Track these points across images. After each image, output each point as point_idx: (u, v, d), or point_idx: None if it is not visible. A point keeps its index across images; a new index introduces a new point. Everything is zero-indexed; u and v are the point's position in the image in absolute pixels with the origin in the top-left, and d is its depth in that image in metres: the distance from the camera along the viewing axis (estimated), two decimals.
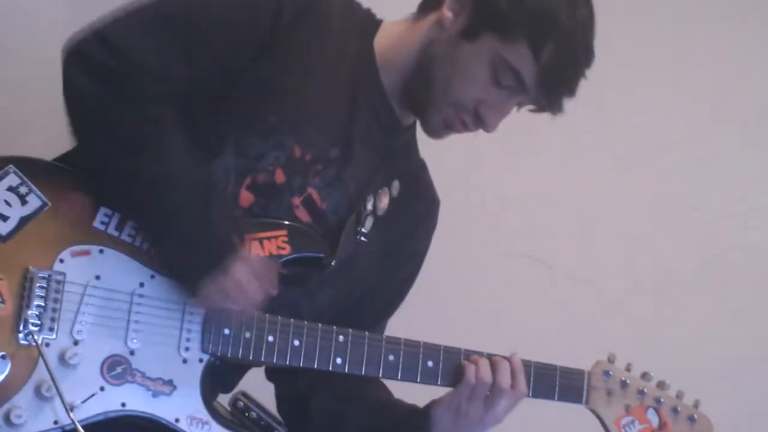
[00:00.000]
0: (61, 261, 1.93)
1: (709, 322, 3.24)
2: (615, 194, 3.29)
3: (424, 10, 2.11)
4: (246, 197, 2.03)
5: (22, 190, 1.93)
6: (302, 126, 2.04)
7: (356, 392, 2.18)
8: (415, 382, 2.10)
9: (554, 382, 2.15)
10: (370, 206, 2.13)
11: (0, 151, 1.96)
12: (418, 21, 2.10)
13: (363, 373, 2.05)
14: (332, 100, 2.07)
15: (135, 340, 1.94)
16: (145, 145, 1.90)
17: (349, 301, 2.19)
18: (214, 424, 1.98)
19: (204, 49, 1.96)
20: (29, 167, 1.94)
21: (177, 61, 1.93)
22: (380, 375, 2.08)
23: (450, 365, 2.10)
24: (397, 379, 2.09)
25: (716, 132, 3.31)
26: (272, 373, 2.26)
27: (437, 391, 2.15)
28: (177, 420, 1.96)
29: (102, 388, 1.92)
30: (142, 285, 1.96)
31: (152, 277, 1.97)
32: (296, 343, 2.02)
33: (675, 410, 2.21)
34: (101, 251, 1.95)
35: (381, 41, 2.12)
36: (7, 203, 1.92)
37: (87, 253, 1.94)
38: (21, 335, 1.89)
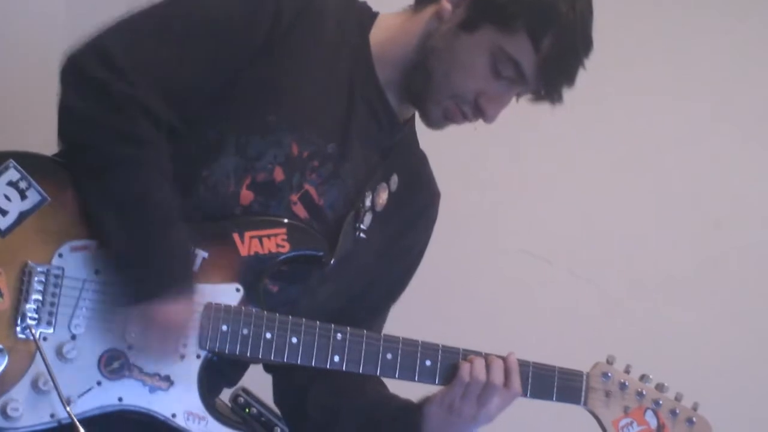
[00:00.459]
0: (60, 256, 1.93)
1: (708, 323, 3.24)
2: (616, 192, 3.29)
3: (422, 2, 2.11)
4: (246, 195, 2.03)
5: (22, 184, 1.93)
6: (300, 123, 2.04)
7: (353, 386, 2.17)
8: (413, 381, 2.09)
9: (552, 383, 2.14)
10: (368, 202, 2.13)
11: (0, 146, 1.96)
12: (416, 13, 2.11)
13: (360, 372, 2.05)
14: (329, 96, 2.07)
15: (133, 335, 1.94)
16: (124, 174, 1.91)
17: (349, 295, 2.19)
18: (211, 420, 1.98)
19: (204, 52, 1.97)
20: (29, 162, 1.94)
21: (176, 69, 1.95)
22: (378, 373, 2.08)
23: (448, 365, 2.09)
24: (394, 378, 2.09)
25: (716, 132, 3.31)
26: (270, 366, 2.26)
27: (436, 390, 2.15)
28: (174, 415, 1.96)
29: (99, 383, 1.92)
30: None
31: None
32: (294, 340, 2.01)
33: (674, 412, 2.21)
34: (100, 246, 1.94)
35: (378, 34, 2.12)
36: (7, 198, 1.92)
37: (86, 248, 1.94)
38: (19, 329, 1.89)
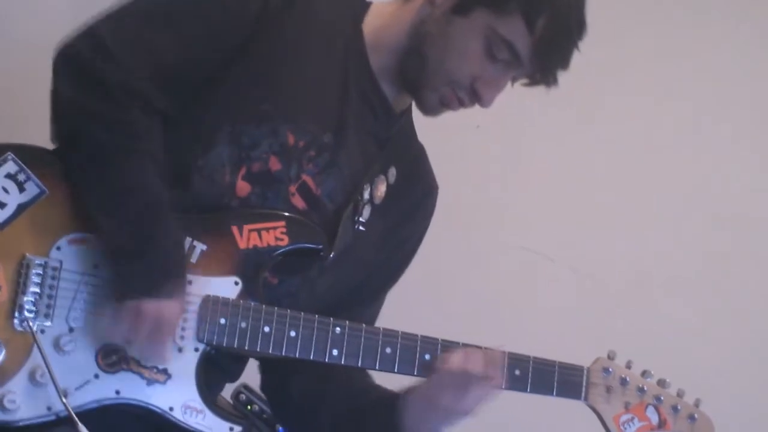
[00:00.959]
0: (58, 249, 1.93)
1: (710, 319, 3.24)
2: (617, 188, 3.29)
3: None
4: (243, 187, 2.03)
5: (21, 177, 1.93)
6: (294, 113, 2.04)
7: (338, 373, 2.15)
8: (413, 375, 2.08)
9: (553, 378, 2.13)
10: (366, 195, 2.13)
11: None
12: (409, 0, 2.10)
13: (359, 365, 2.04)
14: (324, 85, 2.07)
15: (125, 330, 1.92)
16: (115, 162, 1.91)
17: (348, 287, 2.19)
18: (208, 413, 1.98)
19: (195, 35, 1.97)
20: (28, 155, 1.94)
21: (168, 53, 1.94)
22: (377, 367, 2.06)
23: None
24: (393, 372, 2.08)
25: (718, 130, 3.31)
26: (266, 368, 2.25)
27: None
28: (171, 408, 1.96)
29: (96, 376, 1.92)
30: None
31: None
32: (292, 334, 2.01)
33: (675, 408, 2.19)
34: (98, 239, 1.94)
35: (371, 22, 2.12)
36: (5, 190, 1.92)
37: (84, 241, 1.94)
38: (16, 321, 1.89)
